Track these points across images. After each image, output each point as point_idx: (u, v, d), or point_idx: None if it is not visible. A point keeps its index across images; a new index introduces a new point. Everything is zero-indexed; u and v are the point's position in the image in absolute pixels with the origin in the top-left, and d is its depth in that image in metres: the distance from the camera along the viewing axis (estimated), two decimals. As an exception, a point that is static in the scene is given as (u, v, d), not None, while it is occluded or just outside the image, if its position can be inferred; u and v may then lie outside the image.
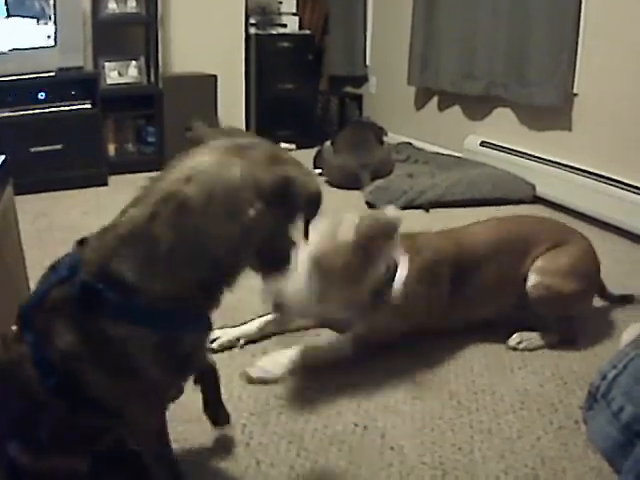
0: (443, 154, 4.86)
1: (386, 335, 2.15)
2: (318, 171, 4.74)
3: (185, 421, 1.82)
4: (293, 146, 5.66)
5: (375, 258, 1.95)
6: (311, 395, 1.97)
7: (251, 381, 1.98)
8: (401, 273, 2.08)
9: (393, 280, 2.06)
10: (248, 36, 5.60)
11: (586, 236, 2.42)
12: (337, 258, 1.89)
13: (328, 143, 4.74)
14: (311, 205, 1.24)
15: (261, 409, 1.90)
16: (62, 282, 1.26)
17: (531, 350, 2.25)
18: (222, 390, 1.93)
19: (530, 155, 4.15)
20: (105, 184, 4.35)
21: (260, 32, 5.66)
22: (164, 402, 1.40)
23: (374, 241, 1.92)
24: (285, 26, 5.83)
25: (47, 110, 4.35)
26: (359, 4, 6.11)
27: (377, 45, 6.06)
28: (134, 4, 4.75)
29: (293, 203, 1.21)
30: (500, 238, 2.31)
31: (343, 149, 4.51)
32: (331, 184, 4.47)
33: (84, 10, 4.59)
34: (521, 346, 2.26)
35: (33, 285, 2.43)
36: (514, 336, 2.28)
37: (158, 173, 1.25)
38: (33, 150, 4.26)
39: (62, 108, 4.39)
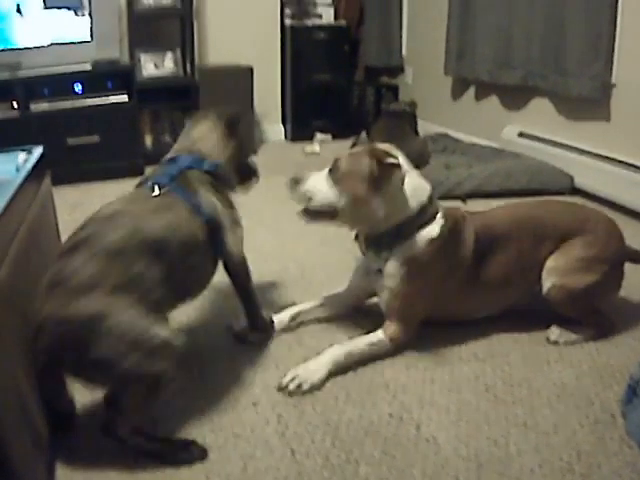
0: (480, 145, 4.81)
1: (415, 316, 2.17)
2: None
3: (220, 410, 1.84)
4: (329, 136, 5.66)
5: (390, 186, 2.06)
6: (346, 386, 1.97)
7: (290, 394, 1.94)
8: (432, 229, 2.12)
9: (419, 229, 2.11)
10: (284, 27, 5.61)
11: (604, 217, 2.37)
12: (356, 168, 2.06)
13: (364, 134, 4.73)
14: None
15: (297, 399, 1.90)
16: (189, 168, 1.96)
17: (571, 344, 2.22)
18: (258, 379, 1.96)
19: (568, 146, 4.10)
20: (142, 175, 4.36)
21: (296, 23, 5.65)
22: None
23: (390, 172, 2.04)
24: (321, 17, 5.81)
25: (84, 102, 4.40)
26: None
27: (413, 35, 6.02)
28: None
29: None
30: (518, 221, 2.30)
31: (378, 140, 4.49)
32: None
33: (120, 3, 4.63)
34: (562, 340, 2.22)
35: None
36: (553, 329, 2.25)
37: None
38: (70, 142, 4.31)
39: (99, 100, 4.44)
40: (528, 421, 1.80)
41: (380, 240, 2.14)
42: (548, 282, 2.21)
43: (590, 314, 2.26)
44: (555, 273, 2.20)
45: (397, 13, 6.07)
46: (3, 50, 4.28)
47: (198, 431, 1.76)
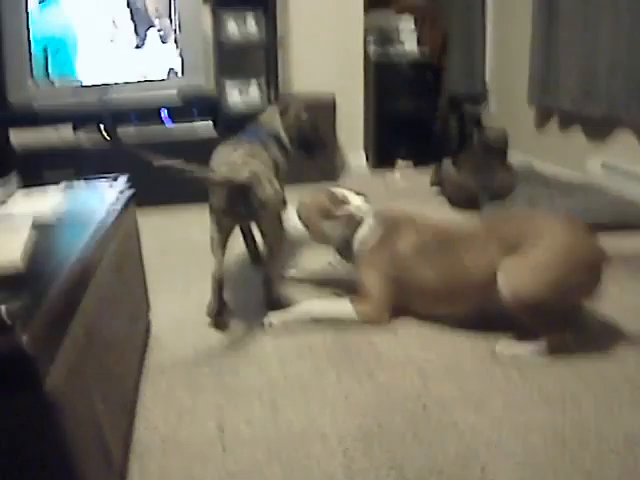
0: (563, 177, 4.75)
1: (375, 295, 2.62)
2: (436, 188, 4.74)
3: (288, 441, 1.88)
4: (410, 163, 5.69)
5: (336, 216, 2.74)
6: (415, 424, 1.98)
7: (267, 325, 2.64)
8: (363, 232, 2.71)
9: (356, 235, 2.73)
10: (366, 55, 5.68)
11: (564, 224, 2.36)
12: (312, 208, 2.78)
13: (448, 161, 4.73)
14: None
15: (363, 435, 1.93)
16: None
17: (510, 357, 2.33)
18: (328, 411, 1.98)
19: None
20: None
21: (379, 51, 5.72)
22: None
23: (336, 207, 2.75)
24: (404, 45, 5.85)
25: (171, 129, 4.55)
26: (478, 22, 6.09)
27: (496, 64, 6.00)
28: (254, 26, 4.89)
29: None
30: (468, 230, 2.59)
31: (466, 169, 4.49)
32: (449, 202, 4.46)
33: (206, 33, 4.78)
34: (505, 351, 2.35)
35: (153, 299, 2.58)
36: (500, 342, 2.39)
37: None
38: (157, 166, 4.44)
39: (185, 127, 4.58)
40: (594, 470, 1.77)
41: (340, 249, 2.80)
42: (500, 285, 2.31)
43: (543, 323, 2.31)
44: (506, 276, 2.31)
45: (480, 41, 6.07)
46: (95, 79, 4.49)
47: (265, 460, 1.80)
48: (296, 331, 2.59)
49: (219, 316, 2.68)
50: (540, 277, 2.25)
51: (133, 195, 2.46)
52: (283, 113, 3.13)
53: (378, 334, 2.56)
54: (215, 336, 2.58)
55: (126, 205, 2.35)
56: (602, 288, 2.32)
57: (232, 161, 2.56)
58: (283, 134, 3.08)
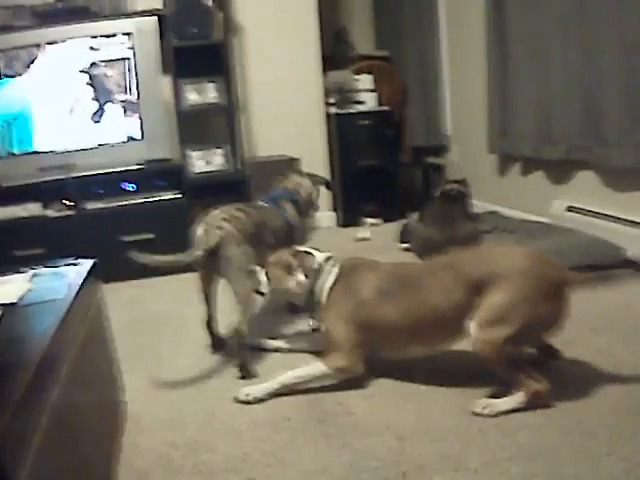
0: (529, 221, 4.80)
1: (345, 345, 2.57)
2: (405, 246, 4.76)
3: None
4: (379, 220, 5.73)
5: (297, 270, 2.79)
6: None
7: (241, 402, 2.57)
8: (328, 281, 2.71)
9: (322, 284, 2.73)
10: (328, 116, 5.77)
11: (516, 257, 2.40)
12: (277, 265, 2.84)
13: (414, 216, 4.77)
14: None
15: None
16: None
17: (494, 416, 2.29)
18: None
19: (617, 218, 4.06)
20: (195, 270, 4.45)
21: (339, 111, 5.81)
22: None
23: (296, 261, 2.80)
24: (363, 103, 5.96)
25: (137, 201, 4.57)
26: (435, 75, 6.23)
27: (456, 114, 6.11)
28: (214, 94, 4.95)
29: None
30: (427, 270, 2.61)
31: (430, 222, 4.50)
32: (418, 256, 4.48)
33: (167, 103, 4.83)
34: (485, 411, 2.31)
35: (126, 378, 2.55)
36: (480, 401, 2.35)
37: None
38: (125, 239, 4.45)
39: (152, 198, 4.60)
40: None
41: (307, 304, 2.80)
42: (472, 337, 2.34)
43: (516, 371, 2.30)
44: (476, 327, 2.32)
45: (439, 93, 6.20)
46: (57, 153, 4.52)
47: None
48: (271, 402, 2.55)
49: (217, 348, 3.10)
50: (509, 323, 2.26)
51: (99, 277, 2.46)
52: (314, 183, 3.73)
53: (354, 400, 2.53)
54: (191, 413, 2.55)
55: (92, 288, 2.34)
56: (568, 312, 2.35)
57: (209, 222, 2.92)
58: (304, 201, 3.57)
